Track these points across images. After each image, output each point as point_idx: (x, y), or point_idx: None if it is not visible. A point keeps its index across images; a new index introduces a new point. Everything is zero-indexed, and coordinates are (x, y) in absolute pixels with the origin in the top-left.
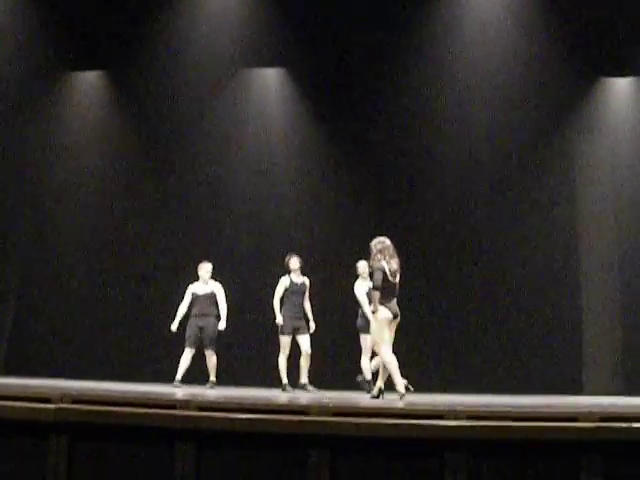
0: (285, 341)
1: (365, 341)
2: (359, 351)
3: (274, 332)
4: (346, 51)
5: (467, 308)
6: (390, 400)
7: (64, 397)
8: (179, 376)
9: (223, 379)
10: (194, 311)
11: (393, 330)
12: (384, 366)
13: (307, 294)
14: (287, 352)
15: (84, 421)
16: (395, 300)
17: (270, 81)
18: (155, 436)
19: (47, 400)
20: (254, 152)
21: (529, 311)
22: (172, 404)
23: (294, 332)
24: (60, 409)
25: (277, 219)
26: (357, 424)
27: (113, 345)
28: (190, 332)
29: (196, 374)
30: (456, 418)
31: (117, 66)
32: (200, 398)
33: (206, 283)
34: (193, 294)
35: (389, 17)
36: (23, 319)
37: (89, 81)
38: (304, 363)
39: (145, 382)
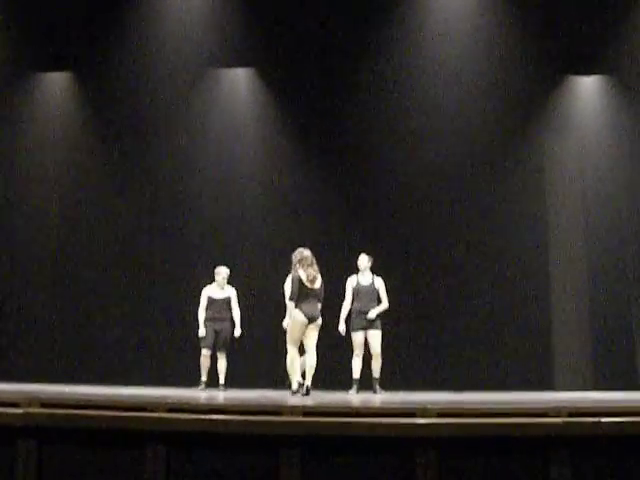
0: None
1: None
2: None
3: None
4: (316, 50)
5: (437, 306)
6: (361, 399)
7: (32, 401)
8: (204, 377)
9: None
10: (210, 314)
11: (312, 332)
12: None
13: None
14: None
15: (53, 425)
16: (314, 304)
17: (239, 81)
18: (125, 439)
19: (15, 404)
20: (223, 151)
21: (499, 308)
22: (142, 406)
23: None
24: (28, 413)
25: (246, 220)
26: (328, 423)
27: (85, 348)
28: (206, 335)
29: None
30: (426, 416)
31: (84, 67)
32: (169, 400)
33: (222, 288)
34: (209, 298)
35: (358, 16)
36: None
37: (56, 82)
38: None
39: (123, 385)
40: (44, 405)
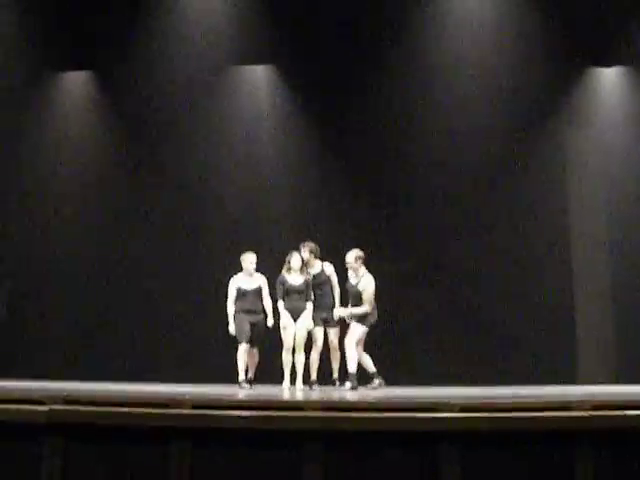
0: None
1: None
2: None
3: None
4: (335, 47)
5: (458, 299)
6: (385, 394)
7: (57, 398)
8: (242, 376)
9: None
10: (242, 306)
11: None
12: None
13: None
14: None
15: (78, 422)
16: (296, 304)
17: (259, 78)
18: (150, 435)
19: (40, 402)
20: (244, 149)
21: (522, 301)
22: (166, 403)
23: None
24: (53, 411)
25: (268, 216)
26: (351, 418)
27: (109, 345)
28: (242, 328)
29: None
30: (449, 410)
31: (104, 66)
32: (194, 397)
33: (251, 275)
34: (239, 289)
35: (377, 13)
36: (13, 321)
37: (76, 82)
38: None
39: (144, 382)
40: (68, 402)
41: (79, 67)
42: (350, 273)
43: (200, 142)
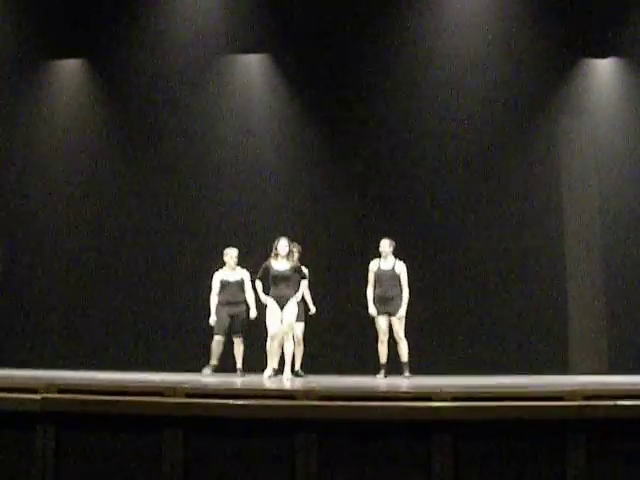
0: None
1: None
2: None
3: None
4: (330, 36)
5: (452, 290)
6: (376, 383)
7: (50, 387)
8: (212, 362)
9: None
10: (224, 298)
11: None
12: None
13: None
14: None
15: (71, 411)
16: (282, 291)
17: (253, 67)
18: (143, 424)
19: (33, 390)
20: (238, 138)
21: (514, 291)
22: (159, 391)
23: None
24: (46, 399)
25: (261, 205)
26: (344, 407)
27: (101, 334)
28: (220, 320)
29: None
30: (441, 399)
31: (97, 54)
32: (187, 385)
33: (234, 269)
34: (222, 281)
35: (373, 3)
36: (6, 310)
37: (69, 69)
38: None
39: (136, 371)
40: (62, 391)
41: (72, 55)
42: (382, 260)
43: (193, 131)
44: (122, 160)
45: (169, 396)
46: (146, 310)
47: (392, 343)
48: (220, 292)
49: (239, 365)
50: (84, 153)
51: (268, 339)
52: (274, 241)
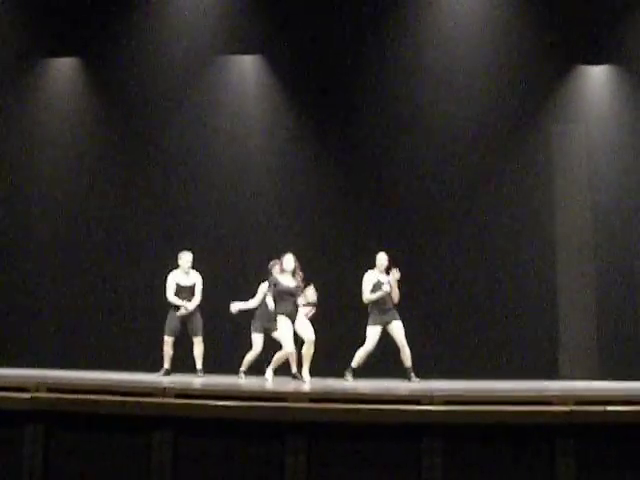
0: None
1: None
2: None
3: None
4: (324, 37)
5: (442, 295)
6: (369, 386)
7: (40, 386)
8: (167, 365)
9: (210, 367)
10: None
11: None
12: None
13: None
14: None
15: (60, 410)
16: (290, 307)
17: (247, 68)
18: (132, 423)
19: (23, 389)
20: (232, 139)
21: (505, 296)
22: (149, 392)
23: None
24: (35, 398)
25: (254, 207)
26: (333, 410)
27: (91, 334)
28: (170, 322)
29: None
30: (432, 403)
31: (92, 53)
32: (177, 386)
33: (187, 273)
34: (177, 284)
35: (369, 3)
36: None
37: (64, 67)
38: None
39: (126, 371)
40: (51, 390)
41: (67, 53)
42: (378, 273)
43: (188, 131)
44: (116, 159)
45: (159, 396)
46: (137, 310)
47: (396, 350)
48: (175, 294)
49: (199, 366)
50: (78, 151)
51: (282, 352)
52: (271, 245)
